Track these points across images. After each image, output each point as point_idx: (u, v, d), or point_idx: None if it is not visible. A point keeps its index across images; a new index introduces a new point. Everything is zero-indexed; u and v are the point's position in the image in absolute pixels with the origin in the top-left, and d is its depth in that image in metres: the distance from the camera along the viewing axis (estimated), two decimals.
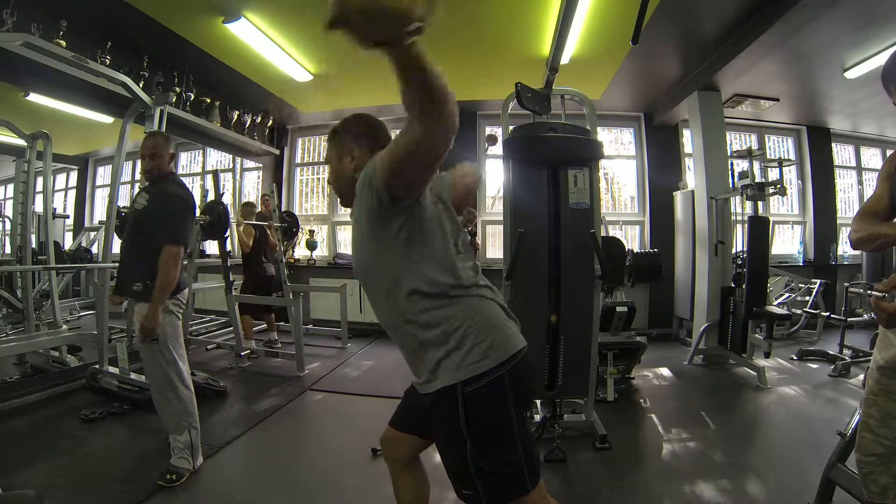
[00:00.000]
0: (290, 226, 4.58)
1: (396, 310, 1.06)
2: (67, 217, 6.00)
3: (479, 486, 1.02)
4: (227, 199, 4.14)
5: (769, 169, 4.37)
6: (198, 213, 3.70)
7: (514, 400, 1.03)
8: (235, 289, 4.07)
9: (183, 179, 2.17)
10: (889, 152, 1.34)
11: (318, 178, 6.08)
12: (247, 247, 4.23)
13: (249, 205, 4.53)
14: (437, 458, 1.13)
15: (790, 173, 5.51)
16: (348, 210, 1.16)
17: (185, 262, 4.07)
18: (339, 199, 1.16)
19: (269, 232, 4.35)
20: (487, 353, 1.02)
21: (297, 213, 5.46)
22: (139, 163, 2.04)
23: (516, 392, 1.03)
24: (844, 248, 5.68)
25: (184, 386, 2.02)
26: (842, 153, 6.01)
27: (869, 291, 4.29)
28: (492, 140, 4.13)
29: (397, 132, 0.92)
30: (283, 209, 4.96)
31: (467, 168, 1.44)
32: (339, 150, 1.17)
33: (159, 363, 1.95)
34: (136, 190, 2.18)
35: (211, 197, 3.78)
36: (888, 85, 1.19)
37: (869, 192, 5.99)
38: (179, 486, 1.92)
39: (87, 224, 5.91)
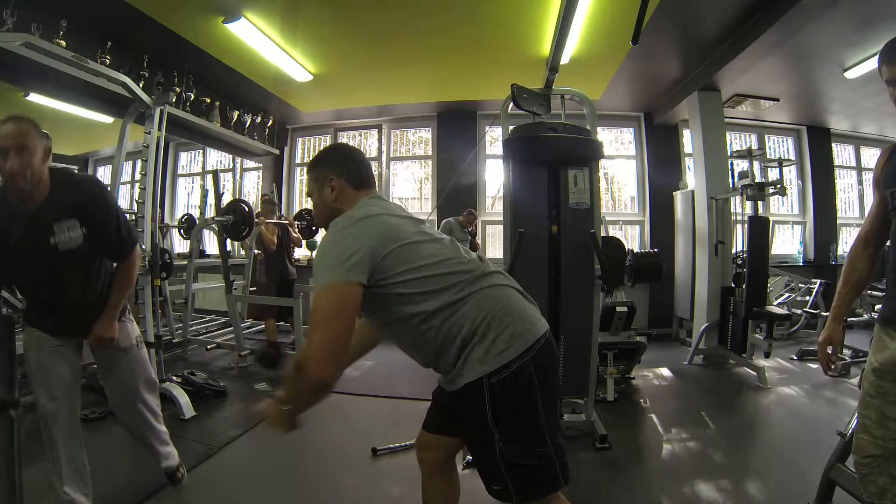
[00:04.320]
0: (309, 224, 4.51)
1: (410, 333, 1.06)
2: None
3: (509, 480, 1.00)
4: (227, 198, 4.13)
5: (769, 169, 4.37)
6: (212, 212, 3.66)
7: (540, 386, 1.01)
8: (235, 289, 4.06)
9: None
10: None
11: None
12: (272, 244, 4.05)
13: (270, 202, 4.39)
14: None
15: (790, 173, 5.52)
16: None
17: (185, 262, 4.15)
18: (323, 230, 1.15)
19: (290, 229, 4.27)
20: (511, 342, 1.00)
21: None
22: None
23: (541, 378, 1.02)
24: (844, 248, 5.69)
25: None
26: (842, 153, 6.02)
27: (868, 291, 4.30)
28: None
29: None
30: (296, 209, 4.91)
31: None
32: (319, 181, 1.17)
33: (147, 361, 1.81)
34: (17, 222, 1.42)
35: (211, 197, 3.77)
36: (881, 65, 1.19)
37: (869, 191, 6.03)
38: (179, 484, 1.92)
39: None
